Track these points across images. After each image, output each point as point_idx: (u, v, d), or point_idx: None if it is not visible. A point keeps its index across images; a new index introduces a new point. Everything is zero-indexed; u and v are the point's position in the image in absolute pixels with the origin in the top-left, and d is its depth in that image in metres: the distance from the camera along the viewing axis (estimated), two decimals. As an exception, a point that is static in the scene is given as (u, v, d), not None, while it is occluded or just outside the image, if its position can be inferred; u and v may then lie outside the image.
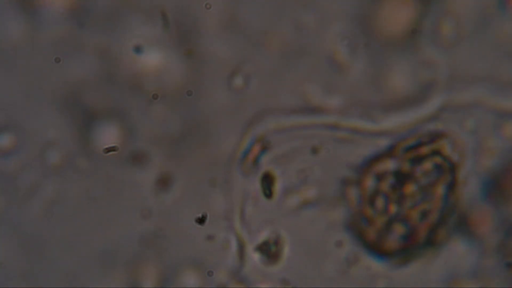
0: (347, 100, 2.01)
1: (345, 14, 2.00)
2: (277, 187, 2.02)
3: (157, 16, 1.95)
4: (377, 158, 1.99)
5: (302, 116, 2.02)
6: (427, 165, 1.97)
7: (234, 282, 2.04)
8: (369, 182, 1.99)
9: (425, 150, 1.98)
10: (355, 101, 2.01)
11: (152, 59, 2.01)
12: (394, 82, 2.01)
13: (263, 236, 2.04)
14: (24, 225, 2.07)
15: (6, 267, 2.08)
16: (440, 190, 1.98)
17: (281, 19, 2.01)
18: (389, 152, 1.99)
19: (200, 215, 2.04)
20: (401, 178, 1.98)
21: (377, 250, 2.01)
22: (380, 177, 1.98)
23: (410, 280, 2.04)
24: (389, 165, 1.98)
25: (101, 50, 2.01)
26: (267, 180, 2.03)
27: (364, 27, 2.00)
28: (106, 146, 2.00)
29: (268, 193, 2.02)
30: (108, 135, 2.03)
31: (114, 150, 1.94)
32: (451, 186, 1.99)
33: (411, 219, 1.98)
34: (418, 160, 1.98)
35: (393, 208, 1.98)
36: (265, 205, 2.03)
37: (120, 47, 2.01)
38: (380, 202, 1.98)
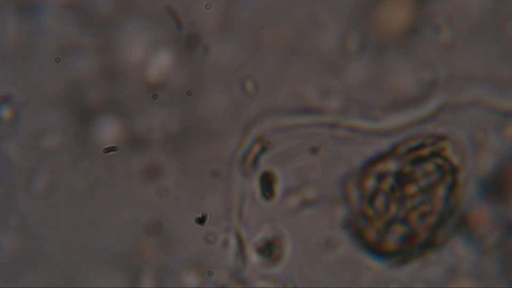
0: (347, 100, 2.01)
1: (345, 14, 2.00)
2: (278, 187, 2.02)
3: (165, 16, 1.95)
4: (378, 158, 1.99)
5: (302, 116, 2.02)
6: (428, 166, 1.98)
7: (234, 282, 2.04)
8: (370, 182, 1.99)
9: (426, 151, 1.98)
10: (355, 101, 2.01)
11: (153, 59, 2.01)
12: (394, 82, 2.01)
13: (262, 237, 2.04)
14: (24, 224, 2.07)
15: (4, 267, 2.08)
16: (440, 191, 1.98)
17: (281, 19, 2.01)
18: (391, 153, 1.99)
19: (200, 215, 2.04)
20: (402, 178, 1.98)
21: (376, 250, 2.01)
22: (381, 177, 1.98)
23: (410, 280, 2.04)
24: (390, 165, 1.98)
25: (102, 48, 2.01)
26: (266, 181, 2.02)
27: (364, 27, 2.00)
28: (106, 146, 2.00)
29: (268, 194, 2.02)
30: (108, 135, 2.02)
31: (114, 150, 1.94)
32: (452, 187, 1.99)
33: (412, 219, 1.98)
34: (419, 161, 1.98)
35: (393, 209, 1.98)
36: (265, 205, 2.03)
37: (121, 45, 2.01)
38: (380, 202, 1.98)
